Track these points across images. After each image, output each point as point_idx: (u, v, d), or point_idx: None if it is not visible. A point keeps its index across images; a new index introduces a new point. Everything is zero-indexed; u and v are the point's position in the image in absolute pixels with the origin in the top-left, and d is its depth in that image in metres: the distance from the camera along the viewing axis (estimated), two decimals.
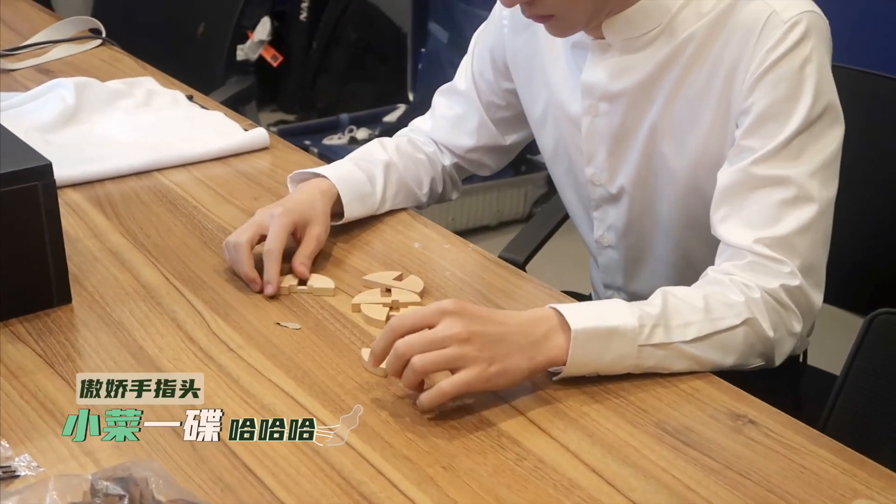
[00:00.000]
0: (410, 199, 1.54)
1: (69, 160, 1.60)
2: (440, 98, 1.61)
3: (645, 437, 1.06)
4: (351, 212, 1.45)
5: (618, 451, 1.04)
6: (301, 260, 1.33)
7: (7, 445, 1.01)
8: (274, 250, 1.31)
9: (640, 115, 1.35)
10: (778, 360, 1.23)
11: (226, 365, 1.16)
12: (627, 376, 1.14)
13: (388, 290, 1.31)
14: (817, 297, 1.24)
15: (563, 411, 1.10)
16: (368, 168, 1.48)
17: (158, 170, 1.66)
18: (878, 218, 1.64)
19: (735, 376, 1.17)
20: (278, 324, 1.25)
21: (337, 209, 1.43)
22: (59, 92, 1.86)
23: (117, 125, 1.80)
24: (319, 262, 1.38)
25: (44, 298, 1.26)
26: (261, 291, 1.30)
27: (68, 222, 1.46)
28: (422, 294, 1.30)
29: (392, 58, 4.12)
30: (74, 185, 1.60)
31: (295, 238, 1.36)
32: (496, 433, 1.06)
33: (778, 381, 1.27)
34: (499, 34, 1.51)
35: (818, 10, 1.25)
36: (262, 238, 1.34)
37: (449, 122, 1.58)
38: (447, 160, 1.59)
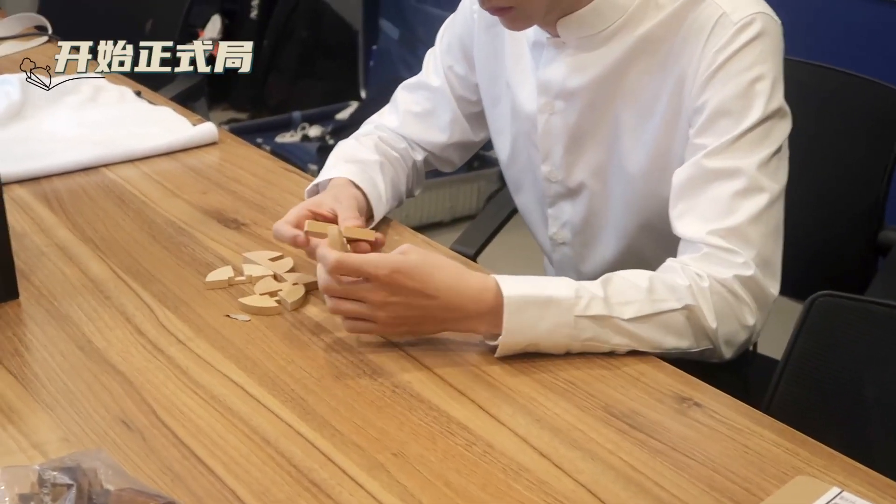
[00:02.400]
0: (396, 199, 1.51)
1: (14, 156, 1.60)
2: (406, 94, 1.57)
3: (592, 420, 1.07)
4: (378, 215, 1.43)
5: (565, 434, 1.05)
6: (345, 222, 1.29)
7: None
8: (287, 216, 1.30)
9: (596, 114, 1.36)
10: (727, 352, 1.23)
11: (175, 357, 1.16)
12: (574, 361, 1.16)
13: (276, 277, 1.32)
14: (773, 287, 1.24)
15: (511, 397, 1.11)
16: (367, 171, 1.43)
17: (106, 165, 1.65)
18: (818, 206, 1.67)
19: (685, 366, 1.18)
20: (228, 316, 1.24)
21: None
22: (4, 88, 1.84)
23: (63, 121, 1.79)
24: (257, 246, 1.39)
25: None
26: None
27: (14, 218, 1.45)
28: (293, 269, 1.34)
29: (343, 55, 4.11)
30: (20, 182, 1.58)
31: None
32: (445, 419, 1.07)
33: (727, 371, 1.29)
34: (468, 27, 1.49)
35: (770, 11, 1.27)
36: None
37: (417, 118, 1.55)
38: (419, 156, 1.56)
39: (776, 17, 1.27)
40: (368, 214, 1.42)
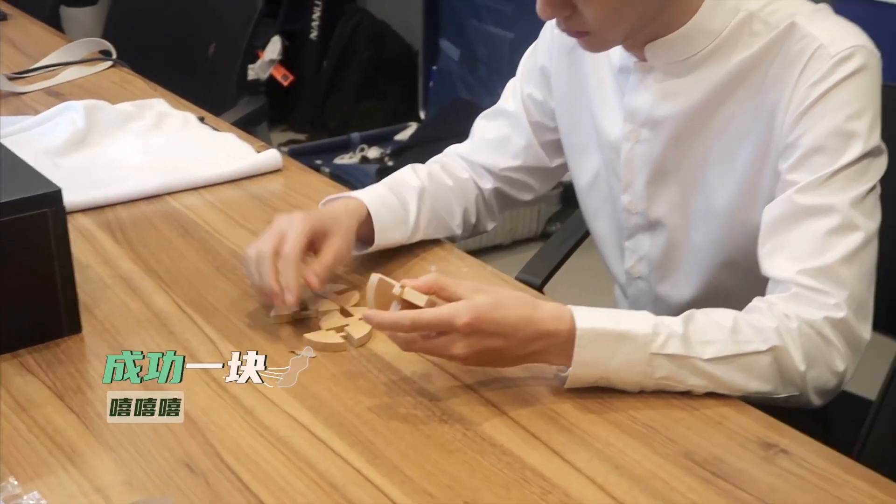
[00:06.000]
0: (442, 229, 1.47)
1: (79, 184, 1.58)
2: (482, 122, 1.55)
3: (673, 468, 1.02)
4: (384, 237, 1.38)
5: (646, 483, 1.00)
6: (316, 270, 1.26)
7: (15, 483, 0.98)
8: (291, 255, 1.23)
9: (683, 147, 1.31)
10: (816, 400, 1.17)
11: (239, 395, 1.13)
12: (652, 403, 1.11)
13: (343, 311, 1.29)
14: (865, 330, 1.18)
15: (587, 441, 1.06)
16: (401, 193, 1.41)
17: (169, 193, 1.63)
18: None
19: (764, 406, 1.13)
20: (293, 352, 1.21)
21: (365, 235, 1.37)
22: (69, 115, 1.84)
23: (128, 148, 1.78)
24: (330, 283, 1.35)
25: (53, 328, 1.23)
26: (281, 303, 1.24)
27: (78, 248, 1.43)
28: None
29: (403, 76, 4.10)
30: (84, 210, 1.57)
31: (314, 252, 1.29)
32: (519, 465, 1.02)
33: (806, 409, 1.23)
34: (548, 51, 1.47)
35: (870, 43, 1.21)
36: None
37: (490, 144, 1.52)
38: (487, 184, 1.52)
39: (876, 51, 1.21)
40: (367, 237, 1.38)
